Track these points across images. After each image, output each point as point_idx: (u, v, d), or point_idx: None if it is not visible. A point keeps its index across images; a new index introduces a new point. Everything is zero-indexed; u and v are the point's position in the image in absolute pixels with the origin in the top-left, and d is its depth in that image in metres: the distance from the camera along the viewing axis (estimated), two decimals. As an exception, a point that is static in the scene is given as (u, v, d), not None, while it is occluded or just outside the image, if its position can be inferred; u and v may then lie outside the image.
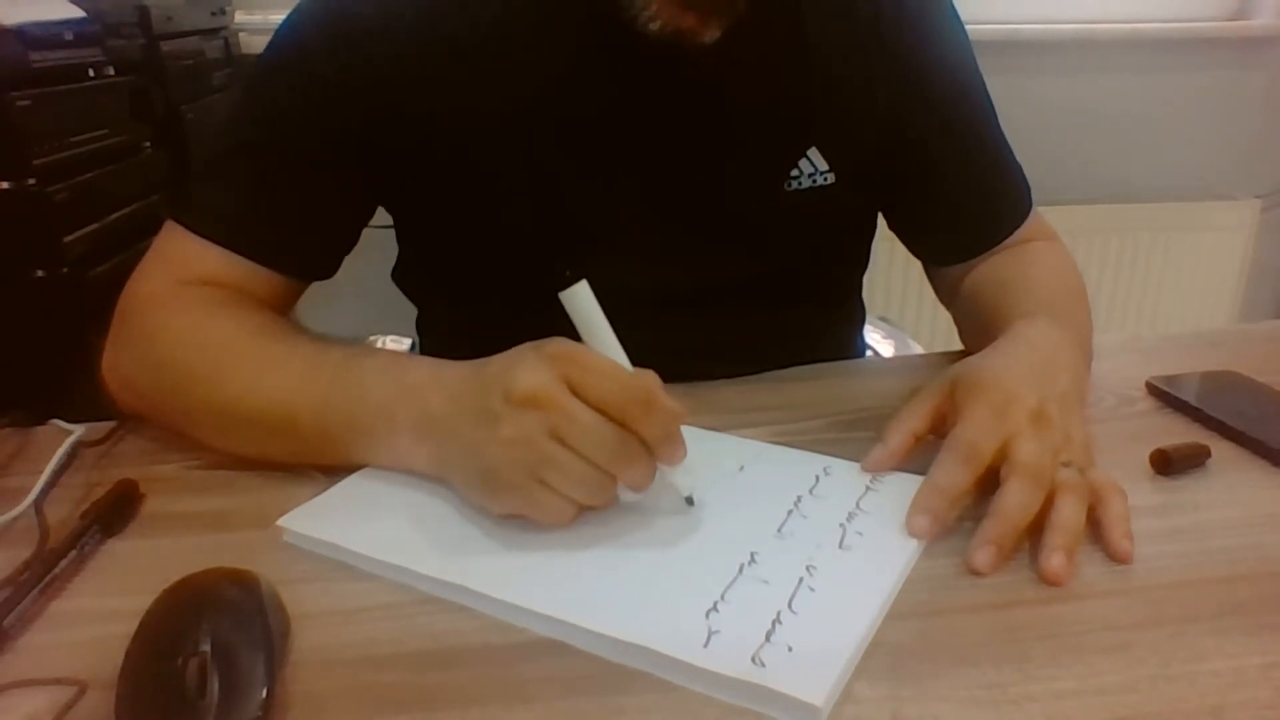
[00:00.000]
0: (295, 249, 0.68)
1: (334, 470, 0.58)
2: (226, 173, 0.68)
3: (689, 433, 0.61)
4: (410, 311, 0.88)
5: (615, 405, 0.47)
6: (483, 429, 0.49)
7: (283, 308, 0.70)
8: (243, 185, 0.67)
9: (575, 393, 0.47)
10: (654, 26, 0.59)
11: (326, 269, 0.72)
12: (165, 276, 0.66)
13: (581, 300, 0.50)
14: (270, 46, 0.68)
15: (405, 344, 1.13)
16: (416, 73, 0.65)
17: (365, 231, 0.74)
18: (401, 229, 0.80)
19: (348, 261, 0.73)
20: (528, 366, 0.48)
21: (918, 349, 1.25)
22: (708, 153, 0.70)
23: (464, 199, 0.70)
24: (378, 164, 0.69)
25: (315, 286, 0.73)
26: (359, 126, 0.66)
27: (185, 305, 0.64)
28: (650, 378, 0.49)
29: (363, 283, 0.74)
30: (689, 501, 0.52)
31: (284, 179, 0.67)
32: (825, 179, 0.71)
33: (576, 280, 0.49)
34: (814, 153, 0.71)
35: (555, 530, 0.50)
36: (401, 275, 0.84)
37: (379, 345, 1.13)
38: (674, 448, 0.50)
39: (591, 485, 0.48)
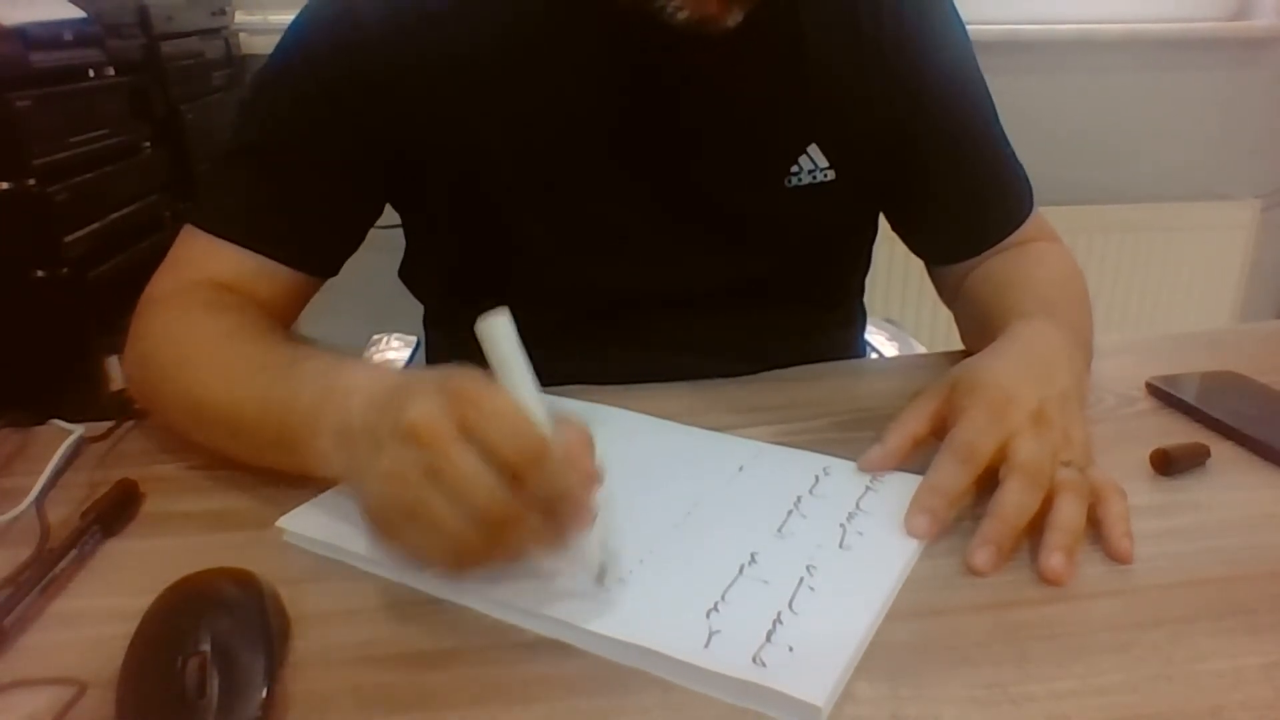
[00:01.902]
0: (301, 243, 0.69)
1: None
2: (233, 173, 0.69)
3: (689, 433, 0.62)
4: (417, 309, 0.88)
5: (501, 454, 0.41)
6: (369, 455, 0.44)
7: (291, 308, 0.71)
8: (249, 184, 0.68)
9: (466, 434, 0.41)
10: (681, 16, 0.59)
11: (332, 266, 0.72)
12: (176, 278, 0.67)
13: (497, 334, 0.43)
14: (277, 51, 0.68)
15: (411, 342, 1.13)
16: (423, 79, 0.66)
17: (372, 231, 0.74)
18: (409, 228, 0.80)
19: (355, 260, 0.74)
20: (421, 397, 0.43)
21: (921, 352, 1.25)
22: (709, 150, 0.70)
23: (470, 200, 0.70)
24: (385, 167, 0.69)
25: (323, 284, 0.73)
26: (366, 132, 0.67)
27: (177, 305, 0.65)
28: (573, 431, 0.44)
29: (370, 281, 0.74)
30: (598, 579, 0.45)
31: (290, 178, 0.67)
32: (825, 175, 0.71)
33: (495, 310, 0.43)
34: (814, 149, 0.71)
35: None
36: (408, 273, 0.84)
37: (385, 343, 1.13)
38: (569, 511, 0.42)
39: (464, 540, 0.42)
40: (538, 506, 0.42)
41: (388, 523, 0.44)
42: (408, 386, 0.45)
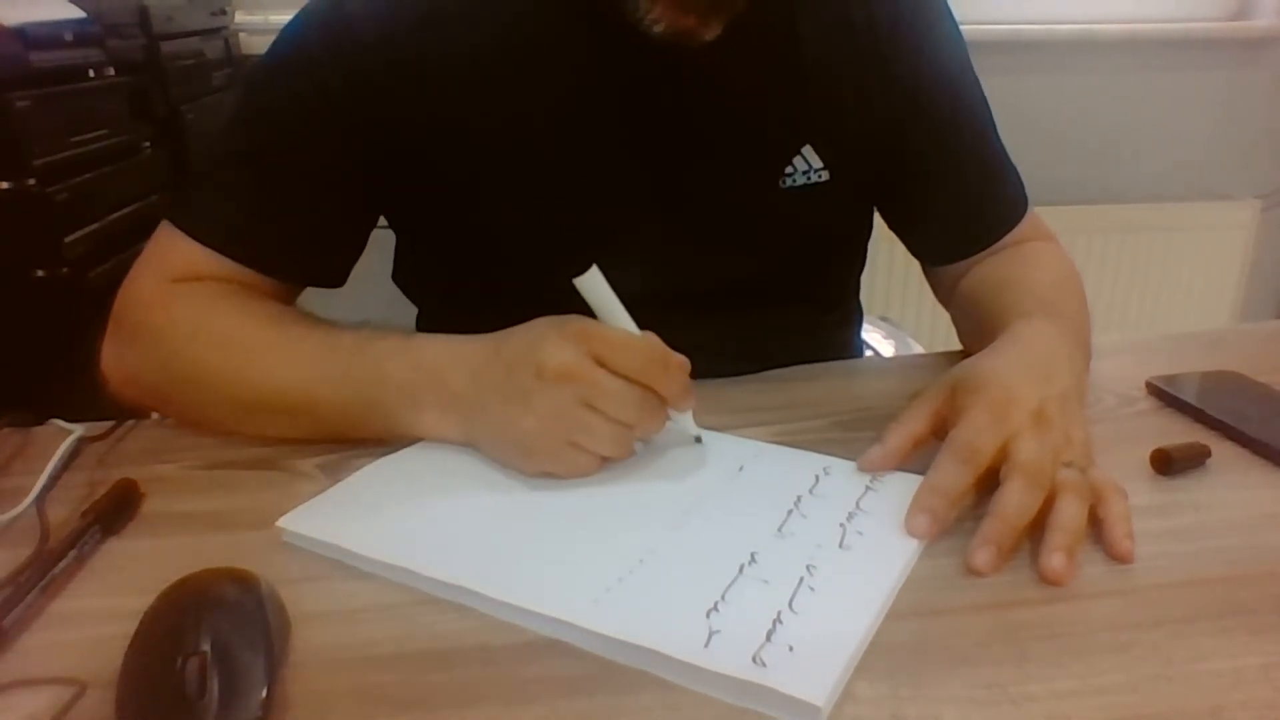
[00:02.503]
0: (293, 257, 0.69)
1: (334, 470, 0.58)
2: (225, 179, 0.68)
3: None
4: (410, 311, 0.88)
5: (639, 371, 0.53)
6: (515, 405, 0.54)
7: (283, 302, 0.71)
8: (241, 193, 0.67)
9: (601, 364, 0.53)
10: (657, 29, 0.59)
11: (331, 277, 0.72)
12: (162, 275, 0.67)
13: (595, 283, 0.55)
14: (272, 53, 0.68)
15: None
16: (419, 81, 0.66)
17: (366, 232, 0.74)
18: (401, 231, 0.80)
19: (347, 261, 0.73)
20: (554, 345, 0.53)
21: (918, 349, 1.25)
22: (704, 152, 0.70)
23: (466, 203, 0.70)
24: (380, 171, 0.69)
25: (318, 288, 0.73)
26: (361, 135, 0.67)
27: (187, 300, 0.65)
28: (657, 339, 0.55)
29: (363, 282, 0.74)
30: (698, 440, 0.59)
31: (283, 188, 0.67)
32: (820, 176, 0.71)
33: (588, 267, 0.54)
34: (808, 150, 0.71)
35: (555, 530, 0.51)
36: (402, 276, 0.84)
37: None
38: (689, 397, 0.56)
39: (617, 441, 0.54)
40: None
41: (545, 450, 0.54)
42: (518, 342, 0.55)
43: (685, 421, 0.58)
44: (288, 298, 0.71)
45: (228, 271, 0.66)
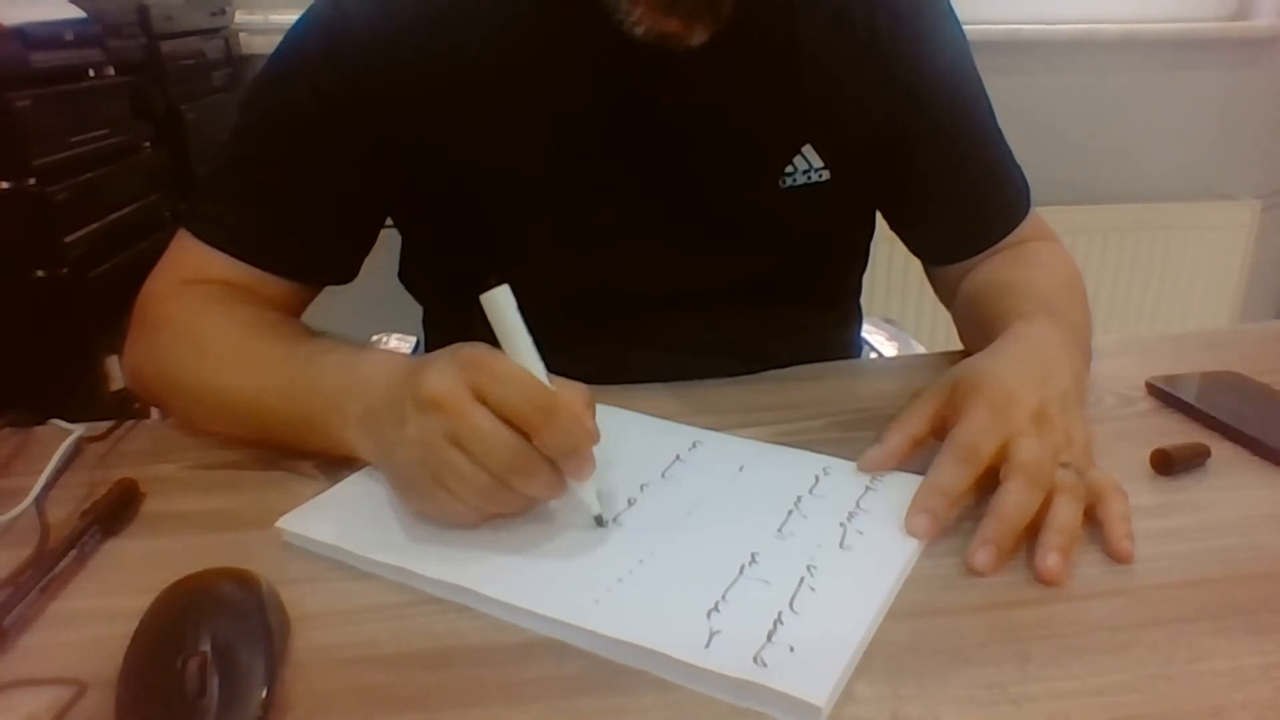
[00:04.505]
0: (303, 257, 0.70)
1: (334, 470, 0.58)
2: (232, 184, 0.69)
3: (689, 431, 0.62)
4: (416, 309, 0.88)
5: (516, 412, 0.46)
6: (395, 428, 0.49)
7: (296, 308, 0.72)
8: (248, 197, 0.68)
9: (481, 399, 0.46)
10: (639, 31, 0.59)
11: (340, 274, 0.73)
12: (175, 278, 0.68)
13: (500, 305, 0.49)
14: (273, 58, 0.69)
15: (411, 341, 1.13)
16: (417, 82, 0.66)
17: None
18: (405, 232, 0.80)
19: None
20: (436, 370, 0.48)
21: (920, 350, 1.24)
22: (702, 152, 0.70)
23: (464, 203, 0.70)
24: (381, 171, 0.69)
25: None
26: (361, 136, 0.67)
27: (187, 301, 0.66)
28: (575, 392, 0.49)
29: (370, 281, 0.75)
30: (598, 521, 0.50)
31: (288, 190, 0.68)
32: (820, 176, 0.71)
33: (498, 285, 0.49)
34: (809, 150, 0.71)
35: (555, 530, 0.50)
36: (406, 275, 0.85)
37: (385, 343, 1.14)
38: (577, 462, 0.48)
39: (488, 493, 0.47)
40: (547, 459, 0.47)
41: (417, 487, 0.49)
42: (420, 363, 0.50)
43: (583, 492, 0.50)
44: (296, 297, 0.71)
45: (235, 273, 0.68)
